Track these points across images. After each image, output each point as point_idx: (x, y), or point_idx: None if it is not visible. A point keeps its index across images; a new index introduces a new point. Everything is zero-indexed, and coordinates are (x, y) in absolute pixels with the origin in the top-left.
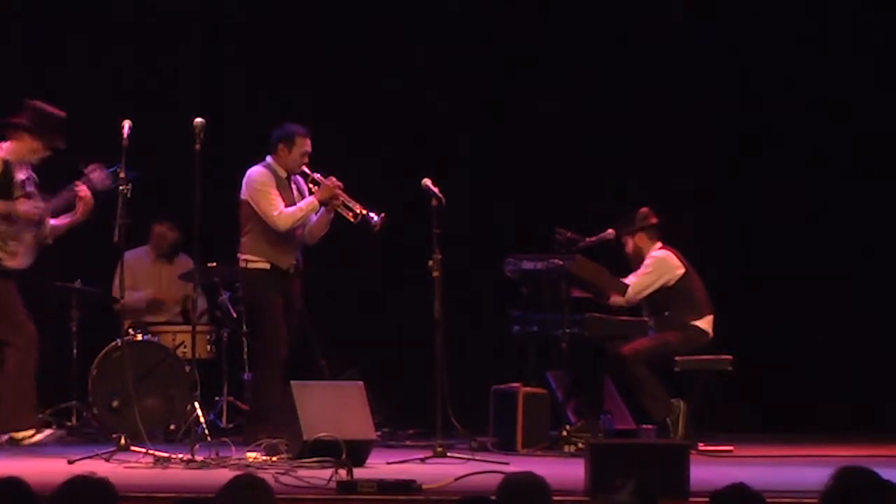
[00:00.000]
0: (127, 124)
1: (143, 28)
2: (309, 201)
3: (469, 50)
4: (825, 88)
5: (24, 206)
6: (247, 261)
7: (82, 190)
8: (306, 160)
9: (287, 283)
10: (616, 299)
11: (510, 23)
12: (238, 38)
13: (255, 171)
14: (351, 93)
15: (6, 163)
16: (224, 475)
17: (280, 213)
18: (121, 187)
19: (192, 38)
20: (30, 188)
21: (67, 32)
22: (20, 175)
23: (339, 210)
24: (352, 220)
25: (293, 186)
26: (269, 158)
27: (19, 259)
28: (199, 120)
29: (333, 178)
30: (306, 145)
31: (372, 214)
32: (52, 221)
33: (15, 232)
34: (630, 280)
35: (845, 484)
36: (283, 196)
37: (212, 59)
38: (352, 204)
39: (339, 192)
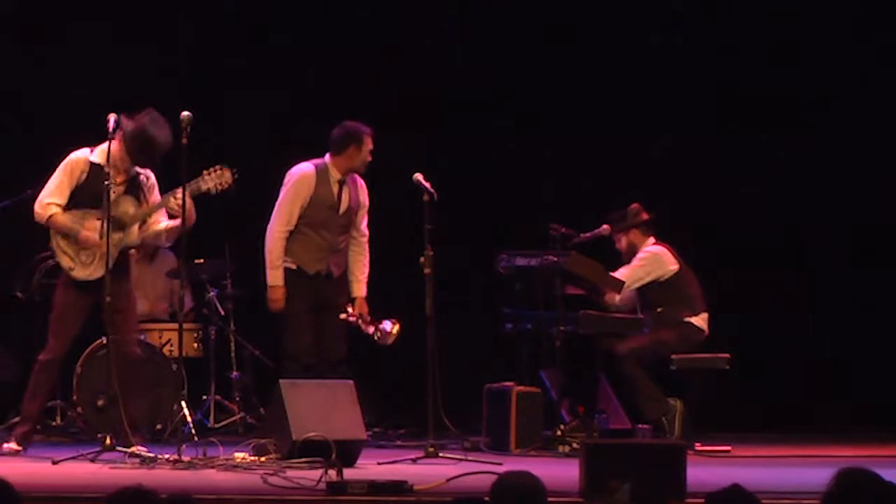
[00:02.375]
0: (112, 118)
1: (131, 19)
2: (271, 276)
3: (466, 41)
4: (824, 87)
5: (84, 234)
6: (285, 260)
7: (178, 197)
8: (369, 160)
9: (319, 287)
10: (611, 297)
11: (505, 17)
12: (227, 31)
13: (297, 173)
14: (345, 88)
15: (93, 166)
16: (211, 475)
17: (274, 229)
18: (106, 182)
19: (182, 31)
20: (132, 192)
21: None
22: (121, 177)
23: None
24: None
25: (344, 188)
26: (327, 157)
27: (91, 269)
28: (185, 114)
29: (363, 314)
30: (371, 144)
31: (385, 325)
32: (164, 223)
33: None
34: (621, 272)
35: (846, 485)
36: (324, 196)
37: (199, 51)
38: (371, 331)
39: (365, 323)
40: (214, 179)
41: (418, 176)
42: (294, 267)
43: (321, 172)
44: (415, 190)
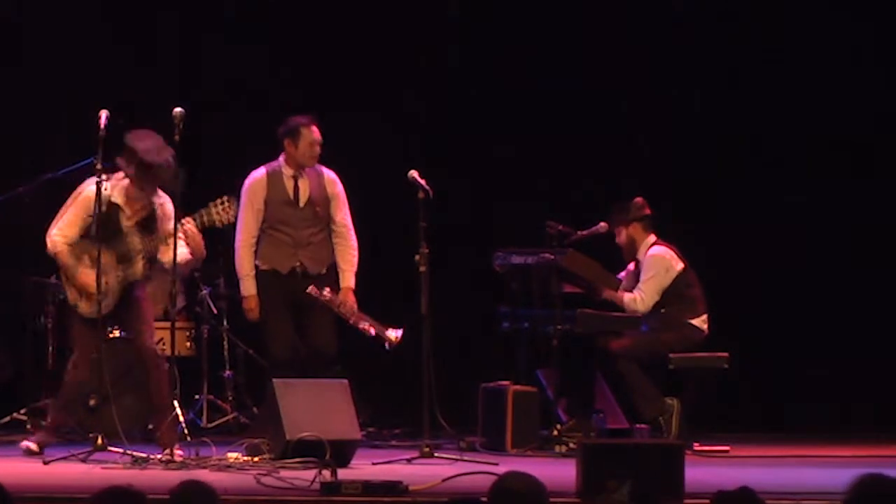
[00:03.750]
0: (104, 114)
1: (122, 14)
2: (243, 287)
3: (461, 39)
4: (821, 85)
5: (81, 278)
6: (257, 265)
7: (188, 228)
8: (317, 149)
9: (296, 286)
10: (632, 307)
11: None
12: (221, 26)
13: (247, 181)
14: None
15: (111, 205)
16: (204, 476)
17: (239, 240)
18: (97, 180)
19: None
20: (146, 226)
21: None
22: (136, 210)
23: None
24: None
25: (301, 183)
26: (280, 158)
27: (96, 306)
28: (178, 110)
29: (346, 302)
30: (312, 134)
31: (390, 332)
32: (183, 254)
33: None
34: (642, 290)
35: (866, 492)
36: (279, 194)
37: (193, 46)
38: (363, 326)
39: (348, 312)
40: (221, 213)
41: (413, 173)
42: (268, 269)
43: (273, 173)
44: (410, 187)
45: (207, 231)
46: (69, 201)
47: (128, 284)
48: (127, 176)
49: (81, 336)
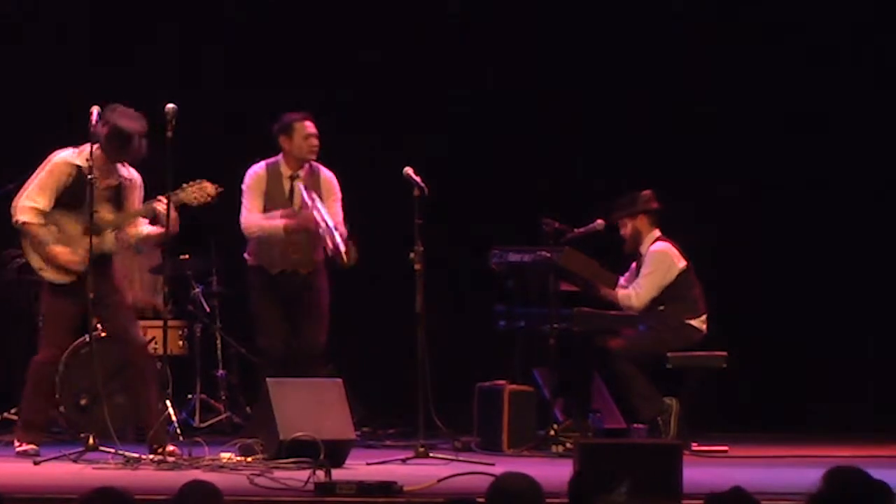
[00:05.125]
0: (95, 110)
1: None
2: (274, 225)
3: (460, 36)
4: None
5: (54, 249)
6: (246, 258)
7: (161, 205)
8: (313, 142)
9: (284, 283)
10: (626, 303)
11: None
12: (213, 22)
13: (250, 170)
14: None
15: (77, 169)
16: (196, 476)
17: (247, 217)
18: (90, 176)
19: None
20: (114, 198)
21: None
22: (105, 182)
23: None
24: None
25: (297, 184)
26: (279, 156)
27: (62, 274)
28: (170, 106)
29: (313, 215)
30: (306, 129)
31: (339, 243)
32: (145, 230)
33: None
34: (638, 286)
35: (835, 485)
36: (275, 193)
37: (186, 42)
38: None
39: (314, 226)
40: (195, 192)
41: (409, 170)
42: (257, 265)
43: (272, 170)
44: (405, 184)
45: (183, 211)
46: (38, 170)
47: (99, 255)
48: (98, 142)
49: (49, 307)
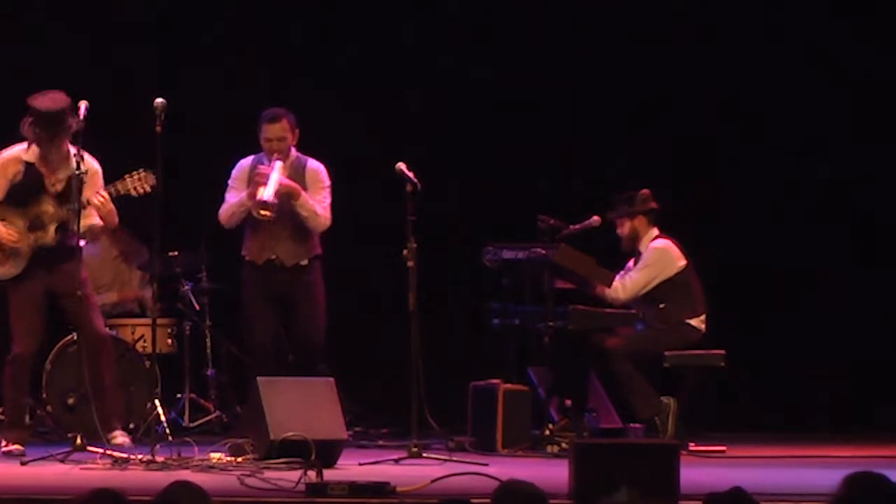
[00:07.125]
0: (83, 105)
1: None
2: (240, 199)
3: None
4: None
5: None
6: (242, 254)
7: (97, 198)
8: (273, 145)
9: (273, 278)
10: (612, 295)
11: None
12: (201, 15)
13: (236, 166)
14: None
15: (26, 165)
16: (186, 477)
17: (222, 210)
18: (76, 171)
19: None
20: (61, 193)
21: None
22: (58, 175)
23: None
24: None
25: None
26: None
27: (5, 268)
28: (159, 100)
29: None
30: (265, 131)
31: (267, 195)
32: (93, 221)
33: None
34: (629, 277)
35: (855, 490)
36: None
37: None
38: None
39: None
40: (135, 182)
41: (401, 165)
42: (247, 258)
43: (256, 162)
44: (398, 180)
45: (123, 201)
46: None
47: (38, 249)
48: (28, 133)
49: (10, 303)
